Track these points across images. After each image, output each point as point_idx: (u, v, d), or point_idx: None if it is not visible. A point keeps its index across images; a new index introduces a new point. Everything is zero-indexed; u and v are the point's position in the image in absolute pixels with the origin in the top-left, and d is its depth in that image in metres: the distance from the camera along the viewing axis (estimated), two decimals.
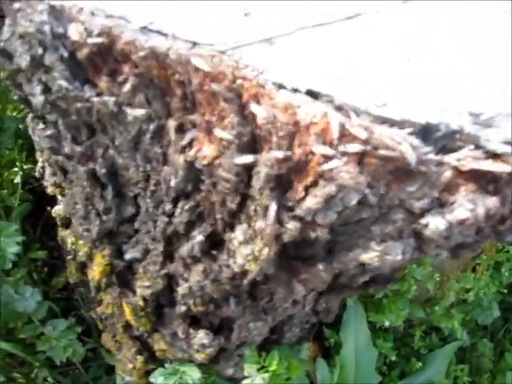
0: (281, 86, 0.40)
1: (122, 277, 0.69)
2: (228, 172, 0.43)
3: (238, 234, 0.46)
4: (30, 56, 0.49)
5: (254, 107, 0.39)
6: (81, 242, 0.68)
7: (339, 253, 0.46)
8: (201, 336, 0.66)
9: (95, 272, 0.67)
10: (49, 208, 1.25)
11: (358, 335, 0.89)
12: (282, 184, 0.42)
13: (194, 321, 0.69)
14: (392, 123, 0.36)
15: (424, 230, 0.40)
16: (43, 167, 0.85)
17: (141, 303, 0.66)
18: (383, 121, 0.36)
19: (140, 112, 0.46)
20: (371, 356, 0.90)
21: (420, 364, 0.98)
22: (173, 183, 0.49)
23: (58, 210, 0.87)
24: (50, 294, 1.09)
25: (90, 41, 0.43)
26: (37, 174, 0.88)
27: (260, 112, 0.40)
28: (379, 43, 0.44)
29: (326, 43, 0.43)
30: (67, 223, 0.89)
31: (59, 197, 0.84)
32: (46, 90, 0.53)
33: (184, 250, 0.55)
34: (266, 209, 0.43)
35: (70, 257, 0.93)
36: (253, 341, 0.68)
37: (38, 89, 0.53)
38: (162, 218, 0.55)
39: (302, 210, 0.42)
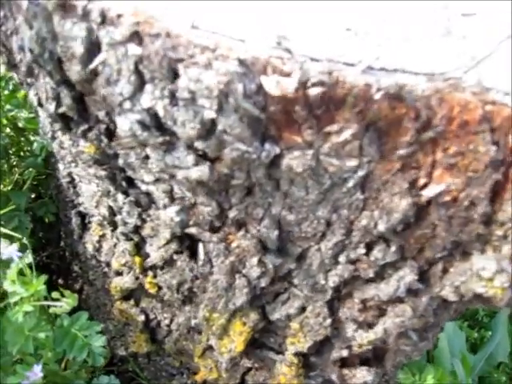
0: None
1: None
2: (480, 202, 0.40)
3: (488, 264, 0.43)
4: (200, 123, 0.41)
5: None
6: (216, 314, 0.60)
7: None
8: (362, 374, 0.62)
9: (237, 342, 0.60)
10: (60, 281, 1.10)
11: (446, 325, 0.90)
12: None
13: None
14: None
15: None
16: (99, 241, 0.74)
17: (294, 360, 0.61)
18: None
19: (353, 162, 0.41)
20: (461, 340, 0.92)
21: (490, 333, 1.02)
22: (382, 227, 0.45)
23: (120, 283, 0.77)
24: None
25: (311, 92, 0.37)
26: (91, 251, 0.77)
27: None
28: None
29: None
30: (129, 296, 0.80)
31: (125, 269, 0.74)
32: (200, 158, 0.45)
33: (377, 293, 0.51)
34: None
35: (138, 328, 0.83)
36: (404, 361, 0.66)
37: (189, 159, 0.45)
38: (345, 267, 0.50)
39: None
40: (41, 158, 0.86)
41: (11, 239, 0.82)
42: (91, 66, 0.44)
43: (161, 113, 0.42)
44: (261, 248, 0.51)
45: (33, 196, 1.07)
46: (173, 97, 0.42)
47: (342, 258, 0.50)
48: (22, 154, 0.96)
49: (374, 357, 0.66)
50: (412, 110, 0.39)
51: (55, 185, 0.88)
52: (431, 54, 0.40)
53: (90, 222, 0.78)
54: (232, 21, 0.41)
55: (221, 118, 0.41)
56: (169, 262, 0.62)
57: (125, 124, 0.44)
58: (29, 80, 0.58)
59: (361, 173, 0.43)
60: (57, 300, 0.60)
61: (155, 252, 0.62)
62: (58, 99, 0.53)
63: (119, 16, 0.42)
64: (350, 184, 0.44)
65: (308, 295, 0.55)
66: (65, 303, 0.59)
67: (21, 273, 0.91)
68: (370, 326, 0.56)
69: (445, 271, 0.48)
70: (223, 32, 0.40)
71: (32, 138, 0.94)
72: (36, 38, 0.47)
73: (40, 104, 0.61)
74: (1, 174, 0.87)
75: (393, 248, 0.47)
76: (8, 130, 0.92)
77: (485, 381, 1.03)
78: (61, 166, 0.77)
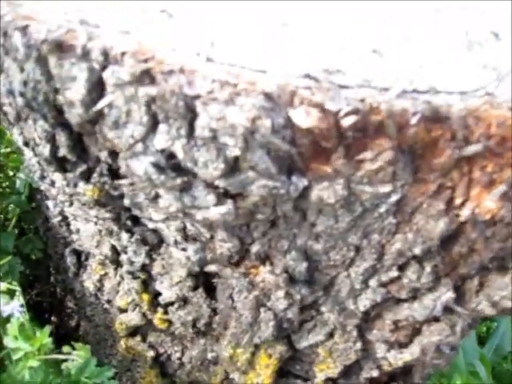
0: None
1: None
2: None
3: None
4: (224, 161, 0.38)
5: None
6: (239, 350, 0.57)
7: None
8: None
9: (264, 376, 0.57)
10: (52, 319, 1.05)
11: None
12: None
13: None
14: None
15: None
16: (101, 280, 0.70)
17: None
18: None
19: (387, 188, 0.39)
20: (472, 337, 0.92)
21: (495, 323, 1.03)
22: (417, 250, 0.43)
23: (125, 320, 0.73)
24: None
25: (344, 122, 0.35)
26: (92, 290, 0.72)
27: None
28: None
29: None
30: (135, 332, 0.76)
31: (132, 307, 0.70)
32: (221, 196, 0.42)
33: (411, 314, 0.49)
34: None
35: (147, 364, 0.79)
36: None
37: (209, 199, 0.42)
38: (376, 290, 0.48)
39: None
40: (24, 195, 0.81)
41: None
42: (95, 109, 0.40)
43: (180, 154, 0.39)
44: (288, 281, 0.49)
45: (16, 232, 1.02)
46: (190, 136, 0.39)
47: (372, 283, 0.48)
48: (0, 190, 0.90)
49: (401, 371, 0.64)
50: (448, 131, 0.37)
51: (42, 221, 0.83)
52: (459, 70, 0.38)
53: (86, 259, 0.74)
54: (248, 50, 0.38)
55: (246, 155, 0.38)
56: (183, 299, 0.58)
57: (139, 168, 0.41)
58: (13, 120, 0.54)
59: (394, 197, 0.41)
60: (67, 353, 0.56)
61: (168, 290, 0.58)
62: (52, 141, 0.49)
63: (123, 54, 0.38)
64: (383, 209, 0.42)
65: (337, 321, 0.53)
66: (77, 357, 0.55)
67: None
68: (402, 345, 0.54)
69: (481, 285, 0.46)
70: (241, 63, 0.37)
71: (11, 173, 0.89)
72: (28, 82, 0.43)
73: (26, 144, 0.56)
74: None
75: (428, 269, 0.45)
76: None
77: (494, 371, 1.04)
78: (50, 204, 0.72)
